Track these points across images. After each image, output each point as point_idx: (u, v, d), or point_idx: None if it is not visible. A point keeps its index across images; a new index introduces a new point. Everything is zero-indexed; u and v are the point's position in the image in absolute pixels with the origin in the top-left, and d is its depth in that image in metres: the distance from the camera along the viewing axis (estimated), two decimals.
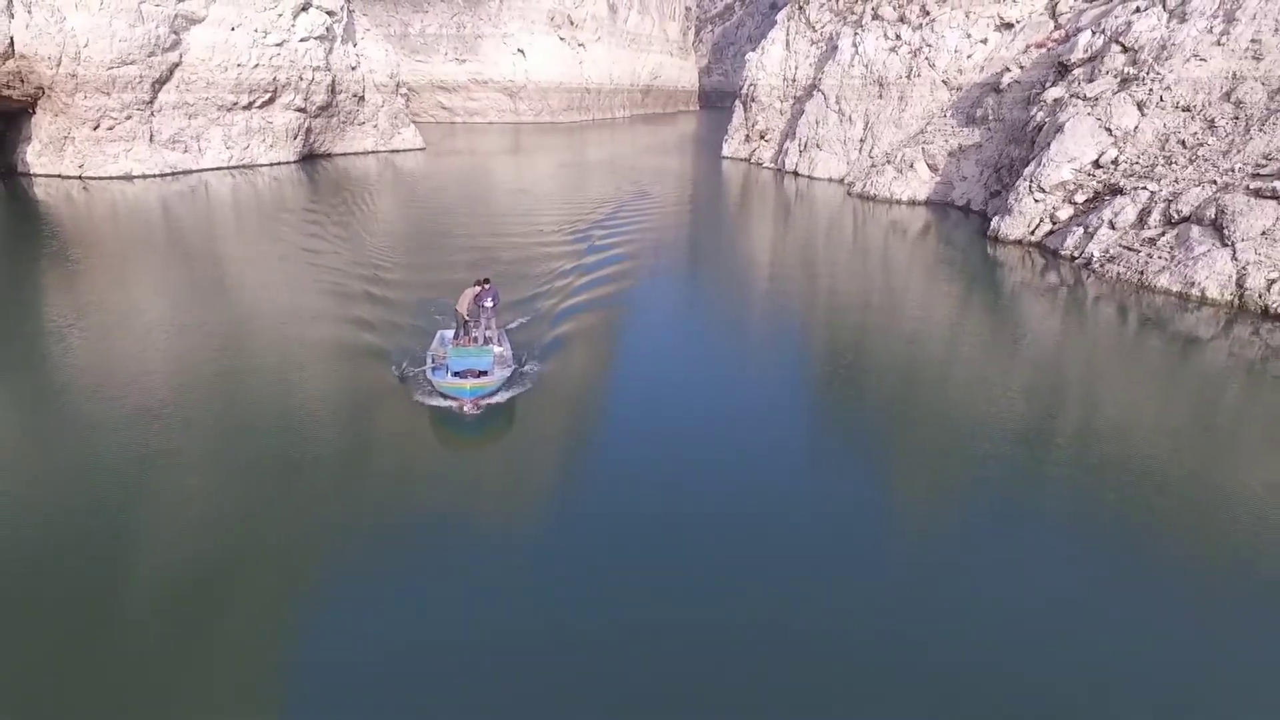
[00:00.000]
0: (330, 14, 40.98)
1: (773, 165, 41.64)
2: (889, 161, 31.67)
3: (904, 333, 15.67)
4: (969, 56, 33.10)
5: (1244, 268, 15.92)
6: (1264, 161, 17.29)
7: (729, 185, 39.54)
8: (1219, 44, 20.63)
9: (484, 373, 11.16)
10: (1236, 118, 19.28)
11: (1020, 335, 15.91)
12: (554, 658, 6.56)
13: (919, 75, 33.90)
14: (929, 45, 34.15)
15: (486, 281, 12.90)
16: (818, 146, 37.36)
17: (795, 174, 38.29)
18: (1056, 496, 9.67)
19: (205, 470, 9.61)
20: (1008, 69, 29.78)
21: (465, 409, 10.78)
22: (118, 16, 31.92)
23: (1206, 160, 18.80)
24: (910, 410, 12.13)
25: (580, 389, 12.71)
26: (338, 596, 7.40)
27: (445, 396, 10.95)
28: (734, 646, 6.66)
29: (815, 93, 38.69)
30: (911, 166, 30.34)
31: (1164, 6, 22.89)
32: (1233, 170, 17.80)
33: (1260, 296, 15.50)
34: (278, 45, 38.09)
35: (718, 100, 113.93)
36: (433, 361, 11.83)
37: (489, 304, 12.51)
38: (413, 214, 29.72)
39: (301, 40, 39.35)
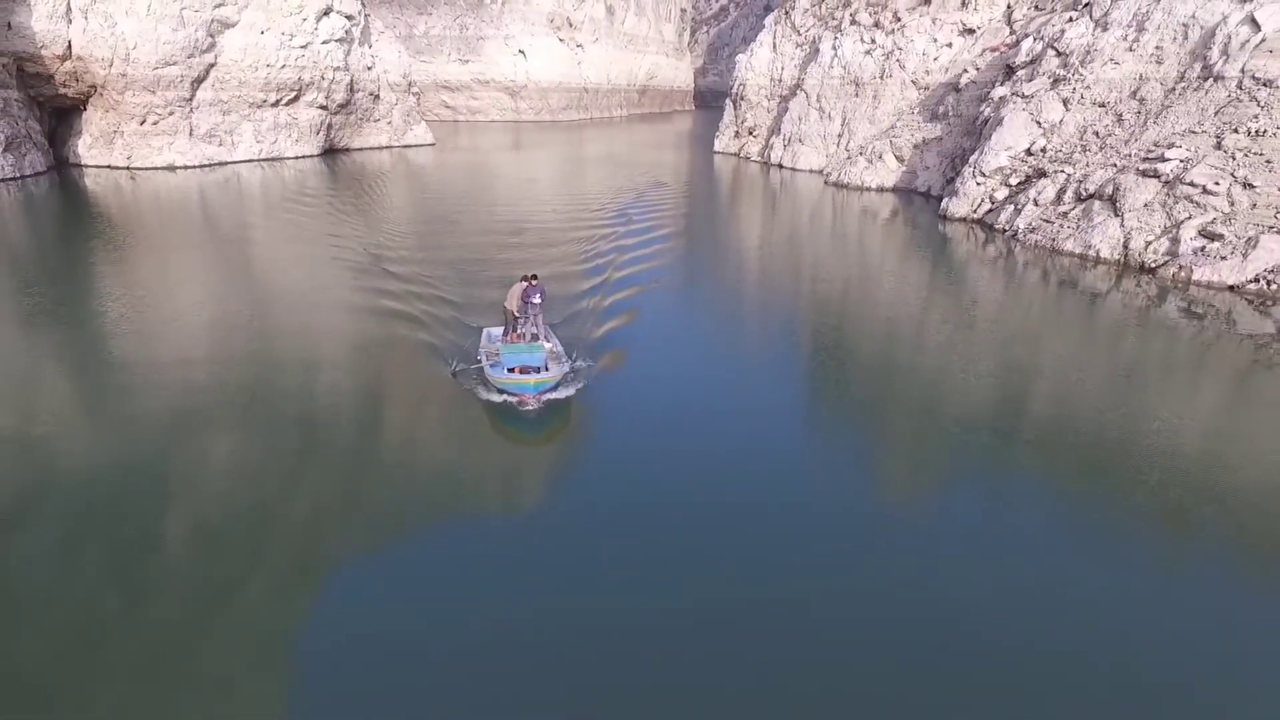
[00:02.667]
0: (349, 18, 44.88)
1: (759, 159, 45.65)
2: (862, 153, 35.64)
3: (873, 296, 19.12)
4: (935, 59, 37.06)
5: (1129, 233, 19.87)
6: (1153, 148, 21.23)
7: (721, 177, 43.41)
8: (1130, 50, 24.61)
9: (540, 368, 11.45)
10: (1139, 112, 23.25)
11: (964, 294, 19.30)
12: (606, 641, 6.97)
13: (891, 76, 37.87)
14: (900, 49, 38.10)
15: (534, 277, 12.98)
16: (800, 141, 41.35)
17: (780, 166, 42.29)
18: (1014, 443, 11.22)
19: (252, 447, 10.45)
20: (966, 70, 33.78)
21: (528, 404, 11.07)
22: (162, 22, 35.78)
23: (1112, 148, 22.76)
24: (884, 370, 14.18)
25: (627, 381, 13.04)
26: (386, 573, 7.88)
27: (504, 392, 11.25)
28: (772, 629, 7.17)
29: (799, 92, 42.67)
30: (880, 158, 34.31)
31: (1091, 16, 26.88)
32: (1130, 155, 21.75)
33: (1139, 255, 19.44)
34: (302, 47, 41.97)
35: (713, 100, 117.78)
36: (487, 359, 12.08)
37: (536, 300, 12.66)
38: (439, 202, 33.63)
39: (323, 43, 43.24)
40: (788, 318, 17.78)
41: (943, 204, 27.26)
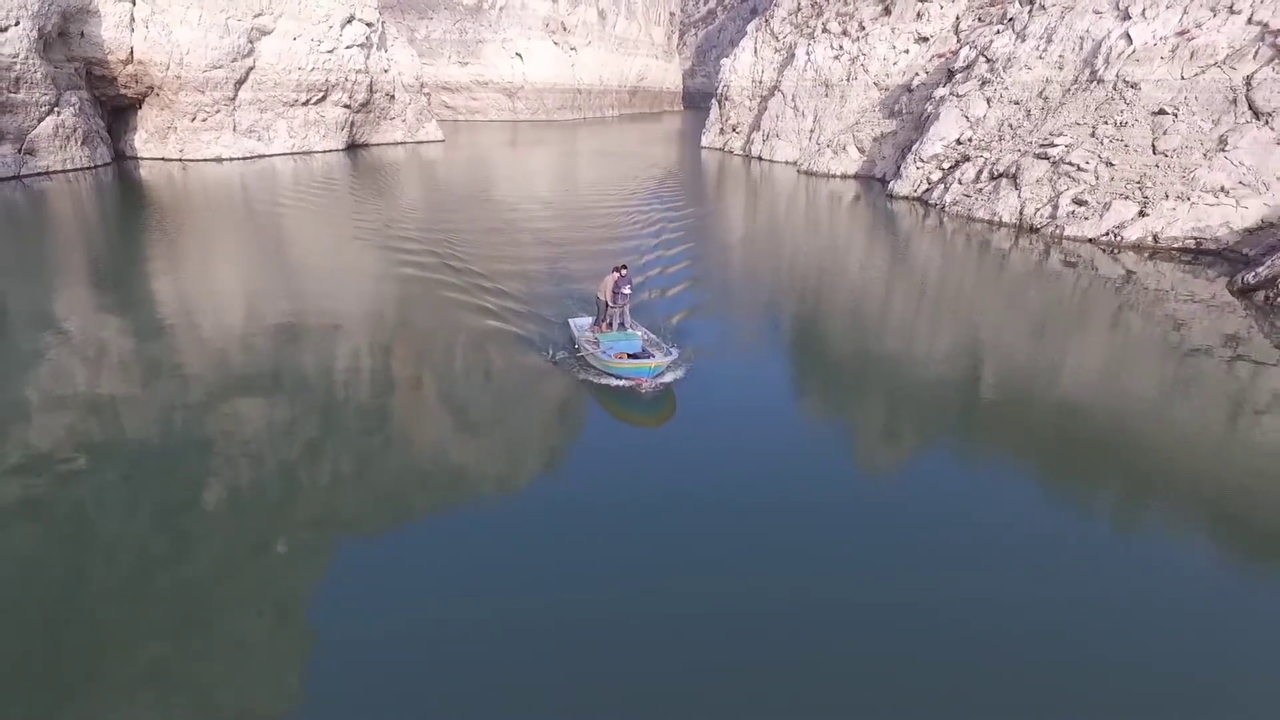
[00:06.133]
0: (369, 25, 50.55)
1: (741, 152, 51.69)
2: (829, 146, 41.65)
3: (840, 260, 24.50)
4: (894, 64, 43.14)
5: (1024, 202, 25.86)
6: (1048, 137, 27.24)
7: (710, 168, 49.24)
8: (1040, 57, 30.68)
9: (641, 353, 12.58)
10: (1042, 108, 29.29)
11: (910, 254, 25.14)
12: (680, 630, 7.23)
13: (856, 79, 43.92)
14: (864, 54, 44.17)
15: (624, 268, 13.90)
16: (777, 136, 47.37)
17: (759, 159, 48.31)
18: (966, 392, 13.29)
19: (372, 418, 11.64)
20: (918, 74, 39.85)
21: (644, 387, 12.02)
22: (210, 30, 41.36)
23: (1020, 137, 28.78)
24: (859, 325, 17.29)
25: (699, 367, 13.64)
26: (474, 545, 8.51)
27: (619, 377, 12.28)
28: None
29: (776, 92, 48.70)
30: (845, 149, 40.33)
31: (1014, 29, 32.96)
32: (1031, 143, 27.76)
33: (1030, 219, 25.46)
34: (329, 52, 47.60)
35: (701, 101, 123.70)
36: (587, 346, 13.06)
37: (626, 290, 13.66)
38: (468, 186, 39.30)
39: (347, 48, 48.90)
40: (791, 293, 20.71)
41: (889, 186, 33.27)
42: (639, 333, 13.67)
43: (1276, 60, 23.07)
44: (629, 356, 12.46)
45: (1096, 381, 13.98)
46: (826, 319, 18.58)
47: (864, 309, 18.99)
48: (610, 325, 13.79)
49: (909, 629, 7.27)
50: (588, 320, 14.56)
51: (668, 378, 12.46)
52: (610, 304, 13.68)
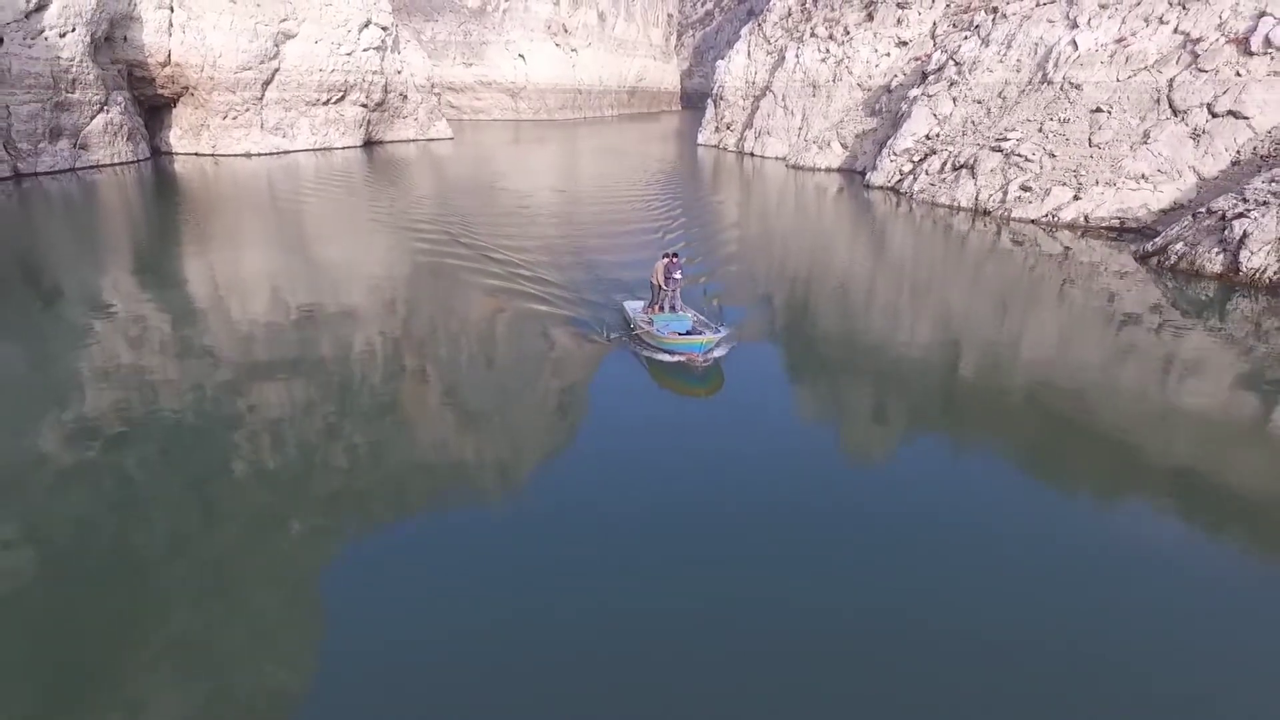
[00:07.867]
0: (384, 29, 54.39)
1: (735, 149, 55.56)
2: (815, 142, 45.50)
3: (826, 241, 28.61)
4: (876, 66, 46.99)
5: (980, 189, 29.68)
6: (1003, 132, 31.06)
7: (705, 164, 53.09)
8: (1001, 61, 34.53)
9: (691, 332, 13.96)
10: (1000, 107, 33.13)
11: (885, 235, 29.24)
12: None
13: (841, 80, 47.77)
14: (849, 57, 48.02)
15: (675, 255, 15.18)
16: (768, 134, 51.23)
17: (751, 155, 52.18)
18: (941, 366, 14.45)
19: (430, 392, 12.59)
20: (897, 76, 43.70)
21: (696, 362, 13.27)
22: (241, 34, 45.18)
23: (980, 132, 32.62)
24: (850, 304, 18.93)
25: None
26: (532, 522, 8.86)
27: (673, 353, 13.55)
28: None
29: (768, 93, 52.55)
30: (829, 145, 44.19)
31: (979, 36, 36.82)
32: (989, 137, 31.58)
33: (984, 204, 29.28)
34: (348, 55, 51.41)
35: (698, 101, 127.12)
36: (645, 326, 14.29)
37: (677, 275, 14.87)
38: (484, 177, 43.07)
39: (364, 50, 52.71)
40: (802, 277, 23.05)
41: (866, 177, 37.11)
42: (689, 314, 14.93)
43: (1193, 65, 26.90)
44: (680, 335, 13.77)
45: (1077, 361, 14.96)
46: (826, 302, 20.24)
47: (854, 288, 21.30)
48: (662, 307, 15.03)
49: (938, 632, 7.27)
50: (639, 303, 15.85)
51: (717, 353, 13.77)
52: (663, 287, 14.98)
